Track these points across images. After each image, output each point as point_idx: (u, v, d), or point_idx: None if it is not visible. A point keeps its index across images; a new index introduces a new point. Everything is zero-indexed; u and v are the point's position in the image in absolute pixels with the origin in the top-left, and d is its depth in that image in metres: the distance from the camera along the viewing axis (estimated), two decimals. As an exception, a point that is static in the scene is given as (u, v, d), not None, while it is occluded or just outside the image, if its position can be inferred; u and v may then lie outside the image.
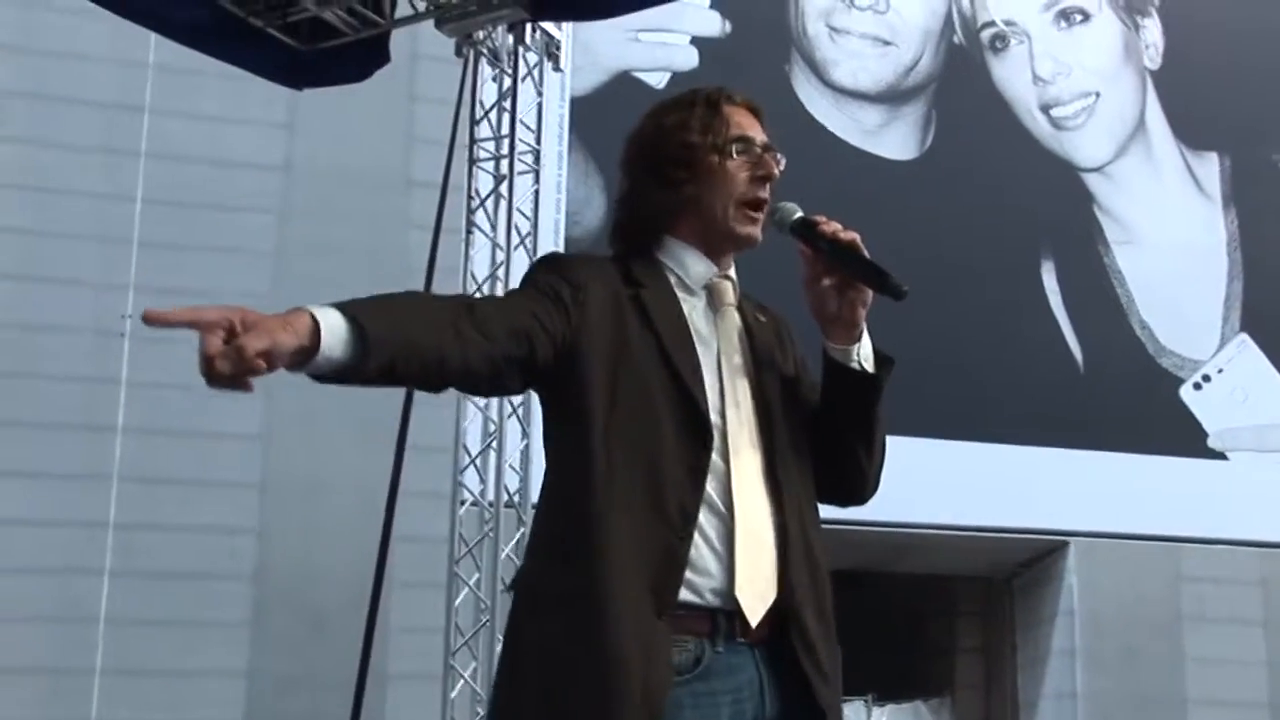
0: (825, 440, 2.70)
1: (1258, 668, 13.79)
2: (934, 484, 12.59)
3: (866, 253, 2.63)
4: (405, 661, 10.06)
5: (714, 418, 2.53)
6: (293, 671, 10.95)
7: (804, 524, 2.58)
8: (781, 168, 2.73)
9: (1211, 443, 14.21)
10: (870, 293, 2.64)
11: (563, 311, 2.47)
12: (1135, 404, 13.99)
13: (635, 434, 2.44)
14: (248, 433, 11.63)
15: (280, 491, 11.58)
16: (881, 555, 14.32)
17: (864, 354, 2.69)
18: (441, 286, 8.77)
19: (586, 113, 12.65)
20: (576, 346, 2.48)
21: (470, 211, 8.47)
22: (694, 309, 2.64)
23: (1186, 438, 14.10)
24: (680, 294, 2.64)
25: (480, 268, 8.48)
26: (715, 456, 2.50)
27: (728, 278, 2.72)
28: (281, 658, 11.17)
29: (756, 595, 2.45)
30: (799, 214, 2.69)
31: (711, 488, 2.47)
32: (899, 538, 13.20)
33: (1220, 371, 14.40)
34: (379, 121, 11.66)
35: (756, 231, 2.69)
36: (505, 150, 8.48)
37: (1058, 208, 14.32)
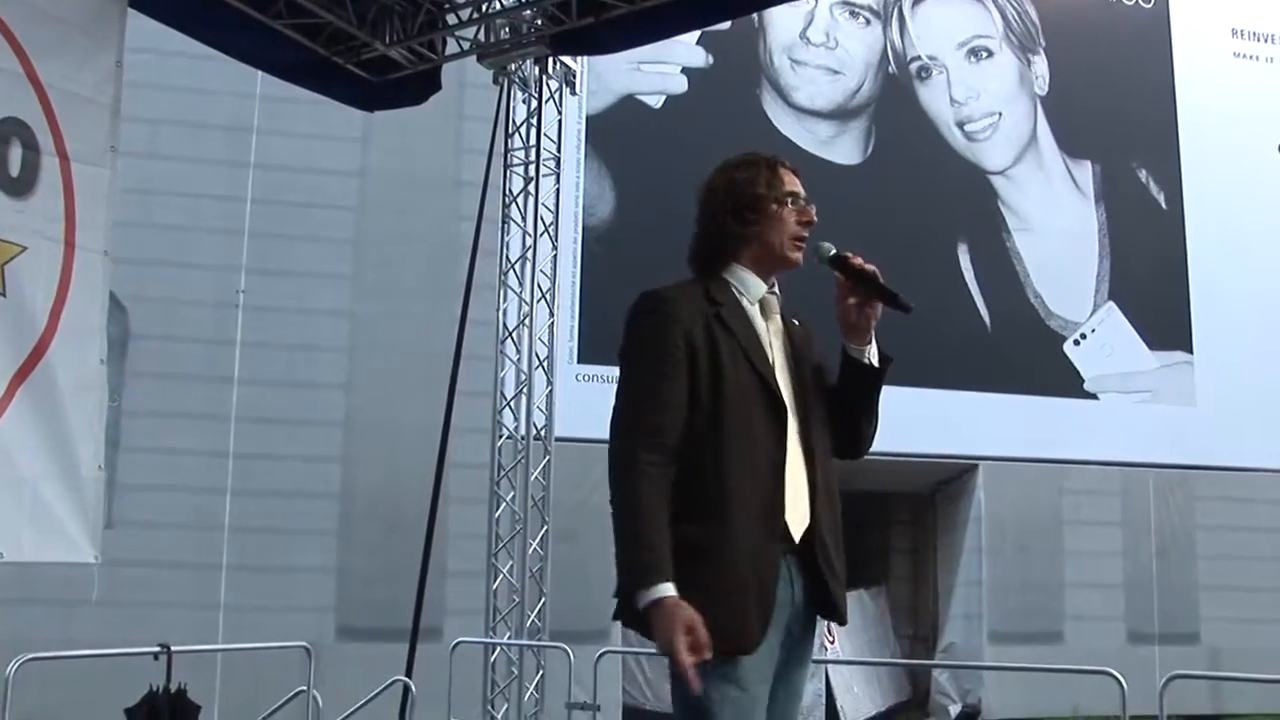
0: (840, 414, 2.91)
1: (1117, 557, 13.83)
2: (879, 419, 12.65)
3: (883, 280, 2.82)
4: (458, 560, 10.00)
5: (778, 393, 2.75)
6: (371, 569, 10.92)
7: (827, 475, 2.81)
8: (815, 214, 2.90)
9: (1087, 386, 14.23)
10: (880, 308, 2.85)
11: (687, 365, 2.67)
12: (1029, 356, 14.01)
13: (737, 412, 2.66)
14: (335, 382, 11.58)
15: (360, 428, 11.53)
16: (837, 476, 14.29)
17: (872, 354, 2.91)
18: (481, 265, 8.68)
19: (598, 127, 12.62)
20: (694, 370, 2.67)
21: (505, 206, 8.45)
22: (755, 317, 2.82)
23: (1068, 383, 14.13)
24: (745, 305, 2.82)
25: (513, 251, 8.44)
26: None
27: (774, 293, 2.89)
28: (362, 558, 11.14)
29: (798, 522, 2.71)
30: (834, 251, 2.86)
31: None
32: (850, 463, 13.11)
33: (1093, 331, 14.42)
34: (434, 135, 11.53)
35: (800, 258, 2.88)
36: (533, 158, 8.44)
37: (970, 202, 14.31)
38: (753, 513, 2.62)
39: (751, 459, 2.65)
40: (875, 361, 2.91)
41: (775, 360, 2.79)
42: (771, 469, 2.67)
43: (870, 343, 2.89)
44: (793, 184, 2.88)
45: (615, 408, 2.68)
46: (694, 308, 2.72)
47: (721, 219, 2.84)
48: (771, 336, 2.82)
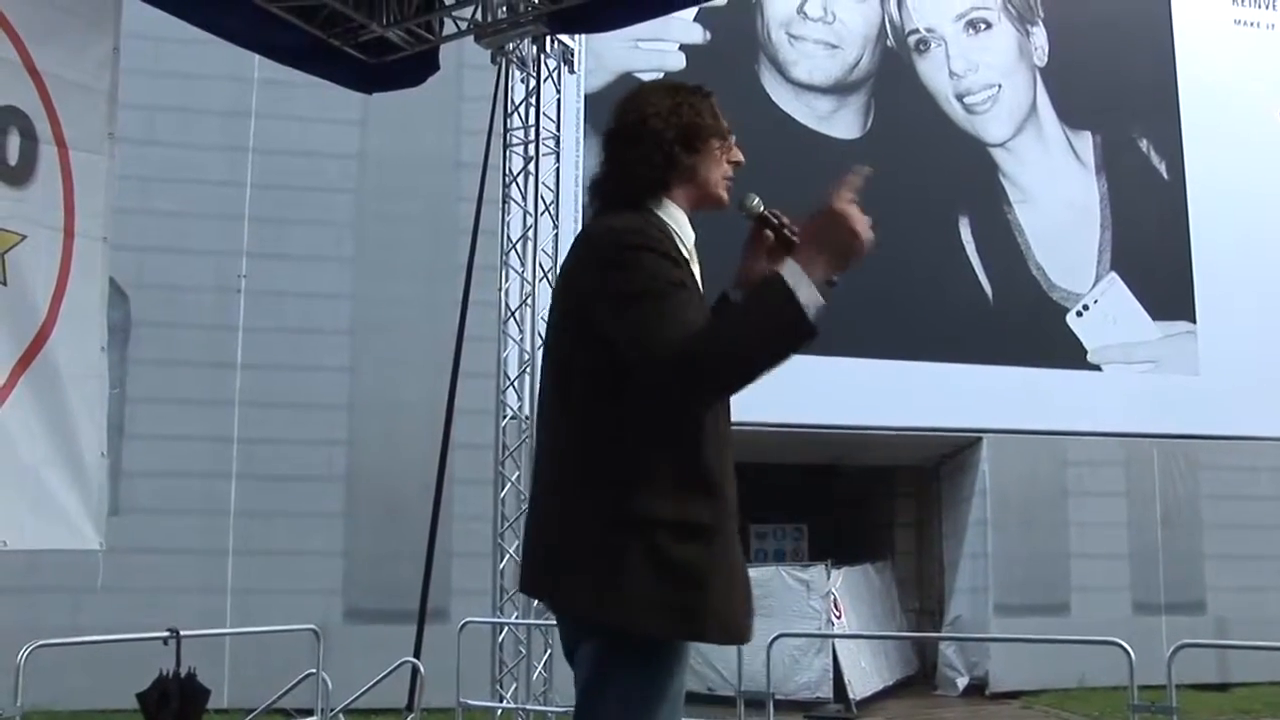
0: None
1: (1121, 528, 13.82)
2: (881, 394, 12.72)
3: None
4: (464, 542, 10.02)
5: None
6: (377, 551, 10.94)
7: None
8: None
9: (1090, 358, 14.21)
10: None
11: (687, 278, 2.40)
12: (1032, 328, 13.97)
13: None
14: (338, 365, 11.57)
15: (364, 411, 11.52)
16: (841, 451, 14.34)
17: None
18: (483, 246, 8.67)
19: (597, 106, 12.46)
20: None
21: (505, 186, 8.40)
22: (692, 259, 2.53)
23: (1071, 354, 14.09)
24: (682, 249, 2.48)
25: (514, 230, 8.38)
26: None
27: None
28: (368, 540, 11.15)
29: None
30: (762, 206, 2.62)
31: None
32: (854, 437, 13.27)
33: (1096, 302, 14.39)
34: (433, 116, 11.49)
35: (727, 200, 2.61)
36: (532, 137, 8.39)
37: (970, 175, 14.26)
38: (729, 487, 2.42)
39: (714, 425, 2.42)
40: None
41: None
42: (728, 434, 2.47)
43: None
44: (724, 120, 2.63)
45: (641, 339, 2.25)
46: (679, 248, 2.45)
47: (668, 146, 2.50)
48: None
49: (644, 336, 2.25)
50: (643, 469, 2.33)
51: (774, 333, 2.22)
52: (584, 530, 2.33)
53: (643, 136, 2.51)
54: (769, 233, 2.60)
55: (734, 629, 2.38)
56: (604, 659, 2.36)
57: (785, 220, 2.59)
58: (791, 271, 2.22)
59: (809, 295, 2.20)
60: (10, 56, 4.41)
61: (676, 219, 2.50)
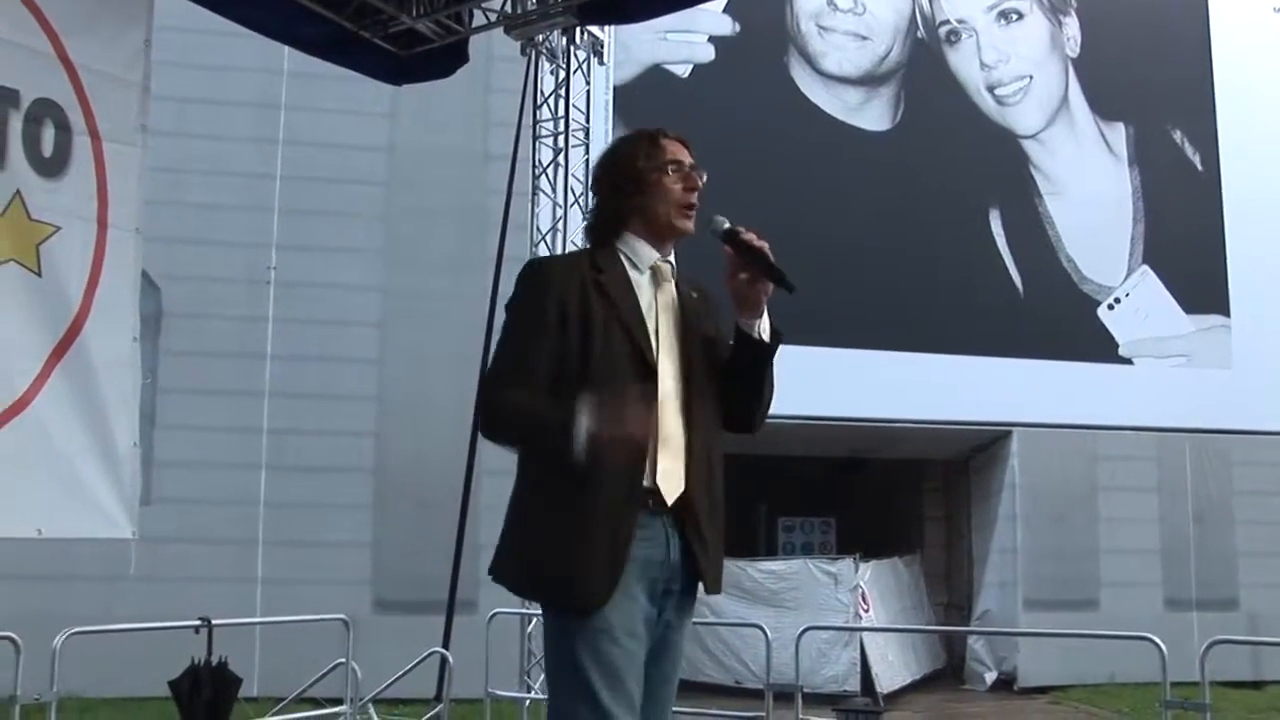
0: (730, 387, 2.93)
1: (1153, 524, 13.76)
2: (910, 387, 12.68)
3: (772, 257, 2.82)
4: (492, 533, 9.90)
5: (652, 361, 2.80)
6: (406, 541, 10.97)
7: (708, 444, 2.84)
8: (703, 181, 2.93)
9: (1122, 351, 14.14)
10: (771, 285, 2.84)
11: (557, 329, 2.74)
12: (1063, 321, 13.90)
13: (604, 377, 2.68)
14: (367, 357, 11.62)
15: (393, 403, 11.55)
16: (871, 444, 14.31)
17: (763, 328, 2.90)
18: (513, 238, 8.69)
19: (626, 97, 12.47)
20: (565, 333, 2.74)
21: (535, 178, 8.41)
22: (641, 284, 2.87)
23: (1103, 347, 14.03)
24: (632, 274, 2.87)
25: (544, 222, 8.38)
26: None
27: (668, 262, 2.93)
28: (397, 531, 11.19)
29: (671, 486, 2.75)
30: (727, 225, 2.86)
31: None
32: (884, 430, 13.23)
33: (1128, 295, 14.32)
34: (462, 108, 11.52)
35: (690, 225, 2.91)
36: (561, 129, 8.39)
37: (1001, 167, 14.19)
38: (613, 474, 2.65)
39: (617, 422, 2.67)
40: (765, 336, 2.90)
41: (659, 329, 2.83)
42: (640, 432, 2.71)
43: (760, 317, 2.89)
44: (676, 153, 2.91)
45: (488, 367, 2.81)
46: (572, 274, 2.81)
47: (604, 195, 2.96)
48: (659, 306, 2.86)
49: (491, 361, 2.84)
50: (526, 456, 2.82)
51: (541, 438, 2.69)
52: (509, 508, 2.84)
53: (596, 189, 3.02)
54: (729, 248, 2.85)
55: (574, 594, 2.65)
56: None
57: (746, 236, 2.83)
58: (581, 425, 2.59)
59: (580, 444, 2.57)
60: (44, 49, 4.44)
61: (635, 249, 2.89)
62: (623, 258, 2.89)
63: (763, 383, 2.95)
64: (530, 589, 2.90)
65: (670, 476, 2.75)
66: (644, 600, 2.72)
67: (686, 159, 2.93)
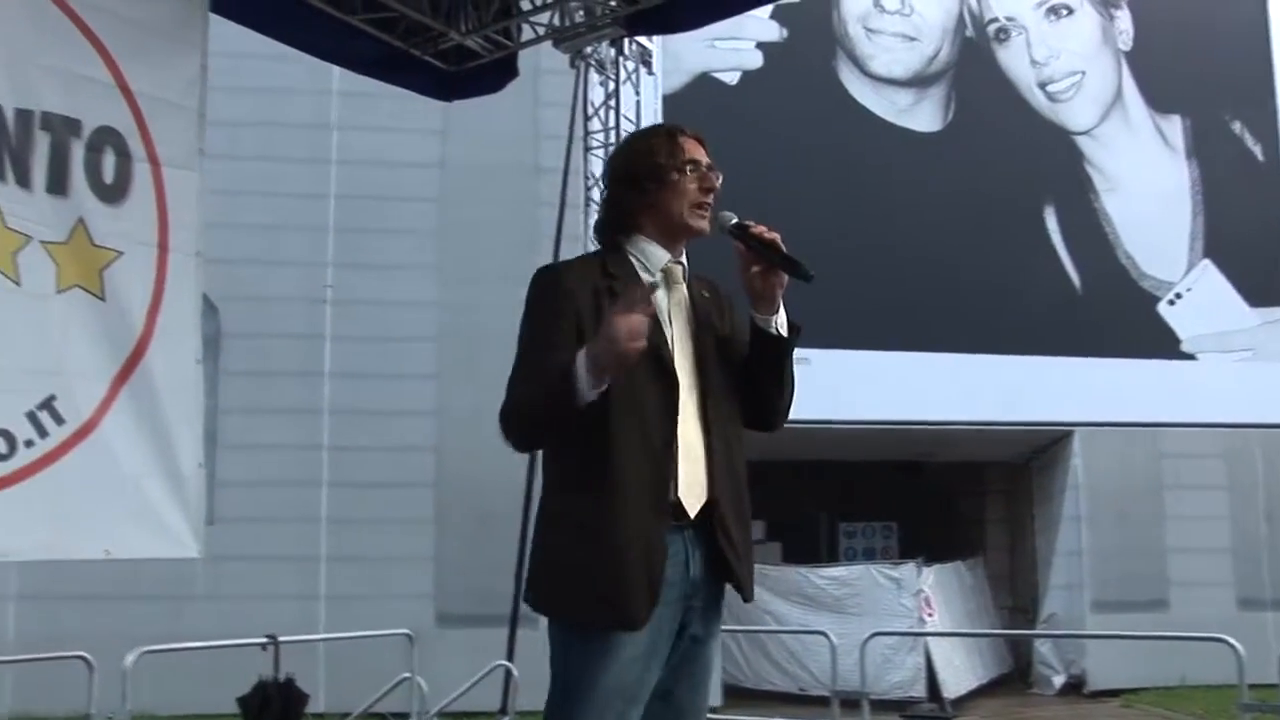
0: (749, 384, 2.86)
1: (1222, 522, 13.54)
2: (968, 389, 12.58)
3: (785, 248, 2.75)
4: (553, 545, 10.03)
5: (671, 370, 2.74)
6: (467, 556, 11.01)
7: (728, 446, 2.77)
8: (719, 181, 2.87)
9: (1184, 347, 13.94)
10: (785, 277, 2.77)
11: (573, 341, 2.64)
12: (1123, 318, 13.74)
13: (623, 388, 2.60)
14: (424, 372, 11.68)
15: (451, 418, 11.57)
16: (929, 447, 14.19)
17: (780, 322, 2.83)
18: (567, 251, 8.69)
19: (675, 106, 12.44)
20: (581, 342, 2.62)
21: (587, 190, 8.43)
22: (653, 287, 2.80)
23: (1164, 344, 13.84)
24: (644, 276, 2.80)
25: (596, 234, 8.36)
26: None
27: (679, 263, 2.87)
28: (458, 546, 11.23)
29: (694, 498, 2.69)
30: (735, 219, 2.80)
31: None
32: (942, 433, 13.12)
33: (1189, 290, 14.13)
34: (512, 123, 11.53)
35: (705, 225, 2.84)
36: (612, 140, 8.41)
37: (1055, 164, 14.03)
38: (640, 489, 2.61)
39: (640, 433, 2.64)
40: (783, 331, 2.84)
41: (673, 332, 2.78)
42: (661, 443, 2.66)
43: (777, 311, 2.82)
44: (694, 151, 2.85)
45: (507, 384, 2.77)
46: (586, 281, 2.76)
47: (618, 190, 2.89)
48: (671, 307, 2.81)
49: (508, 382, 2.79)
50: (552, 472, 2.77)
51: (548, 400, 2.61)
52: (536, 529, 2.80)
53: (609, 184, 2.98)
54: (740, 244, 2.79)
55: (611, 614, 2.60)
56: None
57: (756, 229, 2.77)
58: (579, 362, 2.54)
59: (583, 379, 2.52)
60: (105, 78, 4.51)
61: (645, 250, 2.83)
62: (633, 261, 2.83)
63: (782, 378, 2.87)
64: (566, 611, 2.76)
65: (693, 487, 2.69)
66: (664, 621, 2.66)
67: (704, 158, 2.87)
